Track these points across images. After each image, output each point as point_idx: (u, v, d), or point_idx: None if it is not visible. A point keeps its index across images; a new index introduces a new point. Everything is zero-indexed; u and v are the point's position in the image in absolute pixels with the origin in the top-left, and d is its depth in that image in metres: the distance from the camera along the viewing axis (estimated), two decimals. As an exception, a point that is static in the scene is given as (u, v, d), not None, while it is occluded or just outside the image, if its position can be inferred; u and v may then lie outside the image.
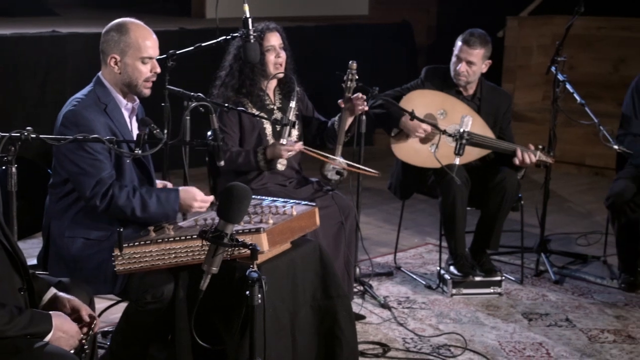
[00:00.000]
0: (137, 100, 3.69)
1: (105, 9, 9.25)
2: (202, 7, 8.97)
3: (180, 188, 3.61)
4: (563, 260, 5.54)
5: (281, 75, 4.47)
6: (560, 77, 5.30)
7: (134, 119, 3.70)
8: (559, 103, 5.35)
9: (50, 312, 2.82)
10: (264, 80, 4.46)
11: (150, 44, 3.56)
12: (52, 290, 2.99)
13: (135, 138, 3.52)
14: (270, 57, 4.42)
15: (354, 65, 4.54)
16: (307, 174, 4.71)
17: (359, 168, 4.53)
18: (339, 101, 4.52)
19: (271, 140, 4.43)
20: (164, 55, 3.80)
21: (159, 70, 3.62)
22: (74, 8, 9.91)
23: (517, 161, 4.88)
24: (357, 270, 4.90)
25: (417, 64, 9.25)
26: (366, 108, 4.56)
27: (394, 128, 4.94)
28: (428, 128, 4.83)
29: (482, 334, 4.42)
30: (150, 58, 3.57)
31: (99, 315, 3.72)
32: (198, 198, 3.58)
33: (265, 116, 4.33)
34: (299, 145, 4.33)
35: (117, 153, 3.45)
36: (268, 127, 4.47)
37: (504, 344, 4.32)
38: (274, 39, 4.43)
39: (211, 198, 3.64)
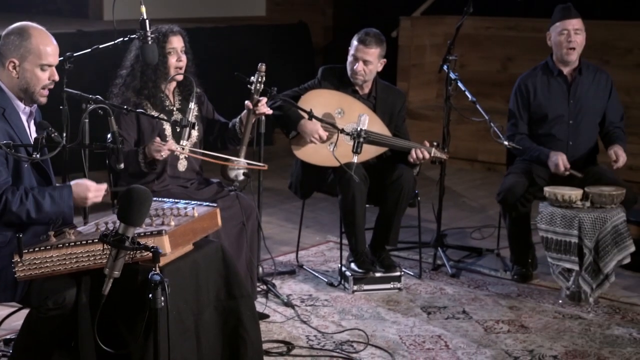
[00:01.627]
0: (35, 104, 3.63)
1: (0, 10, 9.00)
2: (100, 9, 8.82)
3: (72, 182, 3.56)
4: (459, 254, 5.67)
5: (180, 78, 4.46)
6: (452, 75, 5.43)
7: (32, 122, 3.64)
8: (452, 101, 5.48)
9: None
10: (164, 82, 4.45)
11: (51, 51, 3.52)
12: None
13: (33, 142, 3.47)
14: (172, 60, 4.41)
15: (262, 67, 4.54)
16: (208, 175, 4.72)
17: (248, 164, 4.52)
18: (247, 102, 4.53)
19: (171, 142, 4.41)
20: (61, 58, 3.76)
21: (57, 78, 3.58)
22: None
23: (412, 158, 5.00)
24: (260, 269, 4.93)
25: (314, 64, 9.31)
26: (269, 111, 4.59)
27: (292, 131, 5.00)
28: (324, 135, 4.92)
29: (383, 329, 4.51)
30: (50, 65, 3.53)
31: (0, 323, 3.65)
32: (92, 188, 3.55)
33: (165, 118, 4.30)
34: (169, 145, 4.25)
35: (15, 158, 3.39)
36: (168, 129, 4.45)
37: (404, 337, 4.42)
38: (177, 42, 4.42)
39: (105, 186, 3.61)
